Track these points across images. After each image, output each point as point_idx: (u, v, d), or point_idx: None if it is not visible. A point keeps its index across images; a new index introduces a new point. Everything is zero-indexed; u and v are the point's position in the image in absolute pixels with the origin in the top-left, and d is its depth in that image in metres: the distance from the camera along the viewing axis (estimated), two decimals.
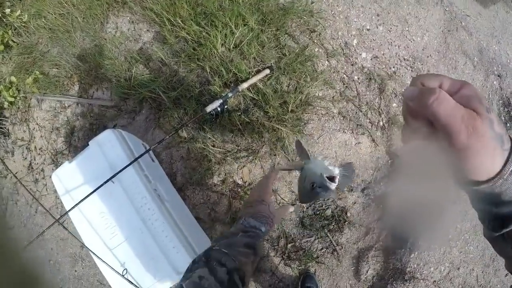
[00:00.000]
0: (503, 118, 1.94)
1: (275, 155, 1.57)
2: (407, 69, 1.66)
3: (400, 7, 1.81)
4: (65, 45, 2.00)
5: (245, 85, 1.47)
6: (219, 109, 1.46)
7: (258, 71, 1.51)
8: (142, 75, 1.65)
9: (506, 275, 1.70)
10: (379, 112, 1.59)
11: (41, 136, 2.07)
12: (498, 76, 1.95)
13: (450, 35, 1.85)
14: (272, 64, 1.51)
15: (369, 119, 1.59)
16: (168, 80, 1.60)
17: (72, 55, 1.94)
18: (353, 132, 1.63)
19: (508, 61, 2.08)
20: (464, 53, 1.86)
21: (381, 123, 1.60)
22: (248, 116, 1.50)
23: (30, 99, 2.16)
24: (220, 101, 1.43)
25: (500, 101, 1.89)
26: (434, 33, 1.80)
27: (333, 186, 0.63)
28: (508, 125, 1.94)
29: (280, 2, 1.60)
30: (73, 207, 1.05)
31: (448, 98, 0.31)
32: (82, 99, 1.92)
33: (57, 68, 2.01)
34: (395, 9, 1.79)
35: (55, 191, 1.64)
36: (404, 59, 1.67)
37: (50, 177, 1.62)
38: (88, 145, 1.21)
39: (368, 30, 1.69)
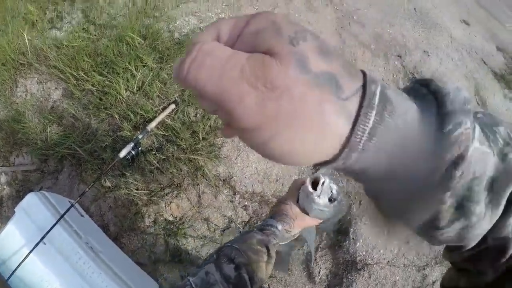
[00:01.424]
0: None
1: (197, 184, 1.84)
2: None
3: (291, 17, 2.13)
4: None
5: (153, 124, 1.74)
6: (133, 152, 1.71)
7: (164, 108, 1.79)
8: (57, 134, 1.92)
9: None
10: None
11: None
12: (398, 56, 2.37)
13: (344, 31, 2.24)
14: (177, 98, 1.79)
15: None
16: (82, 134, 1.87)
17: None
18: None
19: (405, 40, 2.46)
20: (361, 43, 2.25)
21: None
22: (163, 153, 1.76)
23: None
24: (132, 144, 1.69)
25: (406, 78, 2.24)
26: (329, 33, 2.16)
27: (314, 193, 0.77)
28: None
29: (175, 37, 1.88)
30: (9, 277, 1.26)
31: (215, 51, 0.21)
32: (4, 168, 2.18)
33: None
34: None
35: None
36: None
37: None
38: (14, 213, 1.43)
39: None
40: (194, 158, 1.81)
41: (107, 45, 1.97)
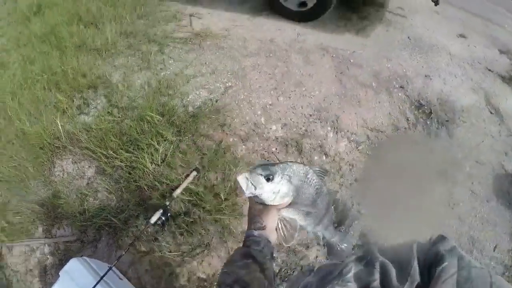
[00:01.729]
0: (421, 120, 2.48)
1: (225, 241, 2.10)
2: (315, 122, 2.29)
3: (292, 74, 2.50)
4: (22, 193, 2.65)
5: (178, 191, 2.04)
6: (163, 218, 2.00)
7: (187, 176, 2.08)
8: (94, 206, 2.24)
9: None
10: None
11: (17, 280, 2.71)
12: (401, 87, 2.67)
13: (344, 76, 2.57)
14: (197, 166, 2.08)
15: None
16: (116, 205, 2.18)
17: (31, 202, 2.58)
18: None
19: (404, 70, 2.74)
20: (362, 84, 2.56)
21: None
22: (191, 216, 2.05)
23: (1, 248, 2.72)
24: (161, 211, 1.99)
25: (412, 107, 2.49)
26: (329, 81, 2.53)
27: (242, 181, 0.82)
28: (428, 122, 2.54)
29: (189, 110, 2.21)
30: None
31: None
32: (47, 239, 2.50)
33: (20, 216, 2.64)
34: (288, 78, 2.48)
35: None
36: (310, 115, 2.30)
37: None
38: (59, 276, 1.70)
39: (270, 105, 2.32)
40: (219, 218, 2.08)
41: (130, 125, 2.31)
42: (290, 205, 0.88)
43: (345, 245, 1.06)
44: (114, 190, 2.34)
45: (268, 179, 0.82)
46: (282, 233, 0.88)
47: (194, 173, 2.17)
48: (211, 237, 2.15)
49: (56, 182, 2.57)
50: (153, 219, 2.02)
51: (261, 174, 0.82)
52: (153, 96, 2.48)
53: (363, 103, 2.51)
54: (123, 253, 1.91)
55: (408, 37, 3.28)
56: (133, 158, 2.26)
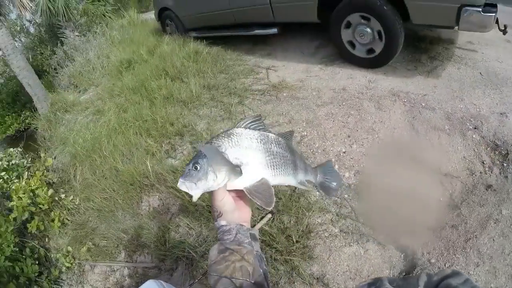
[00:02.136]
0: (497, 162, 2.52)
1: (293, 282, 2.36)
2: None
3: (365, 121, 2.85)
4: (110, 221, 3.16)
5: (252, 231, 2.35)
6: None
7: (262, 217, 2.42)
8: (174, 239, 2.63)
9: None
10: (377, 216, 2.39)
11: None
12: (475, 128, 2.69)
13: (416, 121, 2.82)
14: (272, 209, 2.41)
15: (369, 226, 2.34)
16: (195, 239, 2.57)
17: (117, 229, 3.07)
18: (358, 243, 2.42)
19: (478, 109, 2.83)
20: (434, 128, 2.74)
21: (381, 225, 2.35)
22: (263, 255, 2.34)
23: (84, 265, 3.34)
24: None
25: (488, 148, 2.60)
26: (402, 126, 2.80)
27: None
28: (505, 165, 2.49)
29: None
30: None
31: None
32: (128, 263, 2.95)
33: (106, 240, 3.15)
34: (361, 125, 2.84)
35: None
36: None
37: None
38: None
39: (344, 152, 2.69)
40: (289, 259, 2.36)
41: None
42: (244, 171, 0.85)
43: (334, 183, 1.10)
44: (194, 226, 2.74)
45: (196, 168, 0.81)
46: (258, 201, 0.83)
47: (269, 215, 2.51)
48: (279, 276, 2.42)
49: (142, 214, 3.05)
50: None
51: (189, 169, 0.81)
52: None
53: (437, 148, 2.61)
54: (196, 280, 2.24)
55: (480, 73, 3.25)
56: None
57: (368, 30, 3.36)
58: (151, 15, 8.67)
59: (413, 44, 3.70)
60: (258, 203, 0.83)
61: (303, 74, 3.95)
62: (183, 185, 0.81)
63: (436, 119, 2.78)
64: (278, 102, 3.61)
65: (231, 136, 0.86)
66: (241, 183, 0.85)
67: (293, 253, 2.38)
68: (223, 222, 0.83)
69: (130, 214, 3.11)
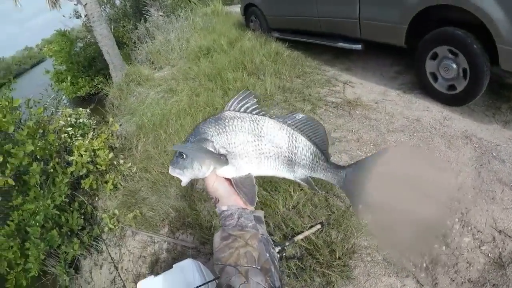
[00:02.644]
0: None
1: None
2: (445, 210, 2.54)
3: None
4: (162, 195, 3.42)
5: (300, 237, 2.53)
6: (278, 255, 2.46)
7: (311, 226, 2.59)
8: (220, 226, 2.81)
9: None
10: (421, 254, 2.42)
11: (129, 260, 3.50)
12: None
13: (483, 169, 2.82)
14: (323, 221, 2.56)
15: (412, 262, 2.45)
16: None
17: (167, 204, 3.33)
18: (397, 276, 2.51)
19: None
20: (500, 181, 2.73)
21: (424, 265, 2.46)
22: (302, 262, 2.49)
23: (127, 230, 3.59)
24: (279, 248, 2.46)
25: None
26: (467, 171, 2.81)
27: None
28: None
29: None
30: None
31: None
32: (169, 239, 3.20)
33: (153, 212, 3.43)
34: None
35: None
36: (442, 202, 2.56)
37: None
38: (172, 267, 2.24)
39: None
40: (328, 273, 2.48)
41: None
42: (230, 161, 0.87)
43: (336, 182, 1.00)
44: None
45: (182, 157, 0.83)
46: (242, 195, 0.84)
47: (319, 226, 2.64)
48: (313, 287, 2.53)
49: (194, 196, 3.30)
50: None
51: (176, 156, 0.84)
52: None
53: (498, 202, 2.59)
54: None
55: None
56: (268, 197, 2.86)
57: (454, 65, 3.35)
58: (235, 9, 9.14)
59: (496, 90, 3.64)
60: (242, 197, 0.84)
61: (379, 96, 4.04)
62: (174, 172, 0.86)
63: (504, 172, 2.77)
64: (349, 118, 3.74)
65: (219, 121, 0.86)
66: (228, 172, 0.87)
67: (333, 268, 2.48)
68: (223, 207, 0.84)
69: (183, 193, 3.38)
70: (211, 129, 0.85)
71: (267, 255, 0.77)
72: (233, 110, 0.87)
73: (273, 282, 0.73)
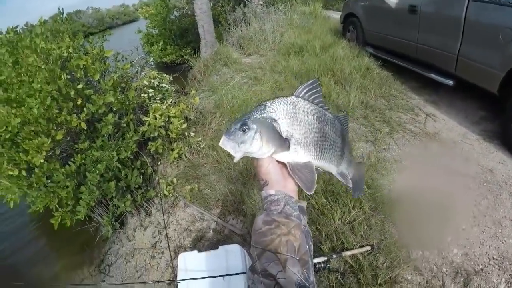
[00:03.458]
0: None
1: None
2: (494, 267, 2.62)
3: (496, 211, 2.93)
4: (222, 176, 3.68)
5: (348, 253, 2.66)
6: (322, 265, 2.62)
7: (361, 246, 2.71)
8: None
9: None
10: None
11: (174, 229, 3.75)
12: None
13: None
14: (374, 244, 2.66)
15: None
16: None
17: (226, 186, 3.53)
18: None
19: None
20: None
21: None
22: (343, 278, 2.61)
23: (180, 201, 3.91)
24: (325, 258, 2.60)
25: None
26: None
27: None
28: None
29: (392, 196, 2.83)
30: (184, 280, 2.09)
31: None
32: (219, 220, 3.44)
33: (210, 190, 3.69)
34: (491, 213, 2.92)
35: (163, 272, 3.16)
36: (493, 258, 2.65)
37: (172, 258, 3.00)
38: (218, 248, 2.41)
39: (463, 229, 2.75)
40: None
41: (338, 180, 3.07)
42: (292, 146, 0.87)
43: (363, 179, 1.14)
44: None
45: (243, 130, 0.81)
46: (299, 182, 0.85)
47: (368, 247, 2.74)
48: None
49: (254, 186, 3.52)
50: (316, 260, 2.65)
51: (236, 128, 0.82)
52: (368, 168, 3.23)
53: None
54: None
55: None
56: (327, 206, 3.00)
57: None
58: (334, 14, 9.26)
59: None
60: (298, 183, 0.85)
61: (458, 137, 4.01)
62: (227, 144, 0.82)
63: None
64: (424, 151, 3.78)
65: (289, 104, 0.85)
66: (285, 156, 0.86)
67: None
68: (271, 192, 0.84)
69: (243, 180, 3.62)
70: (280, 110, 0.85)
71: (307, 247, 0.78)
72: (302, 98, 0.88)
73: (308, 275, 0.74)
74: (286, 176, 0.88)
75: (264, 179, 0.86)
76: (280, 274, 0.71)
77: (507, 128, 3.68)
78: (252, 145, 0.81)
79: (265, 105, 0.85)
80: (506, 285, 2.53)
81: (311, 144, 0.88)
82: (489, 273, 2.60)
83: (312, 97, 0.88)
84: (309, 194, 0.87)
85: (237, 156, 0.82)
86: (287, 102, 0.85)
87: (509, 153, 3.70)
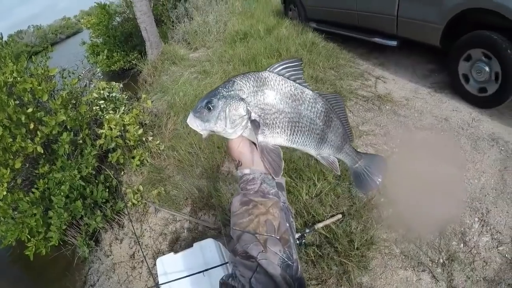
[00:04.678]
0: None
1: (341, 285, 2.59)
2: (465, 209, 2.72)
3: (458, 157, 3.04)
4: (187, 175, 3.62)
5: (320, 225, 2.68)
6: (298, 241, 2.61)
7: (332, 216, 2.73)
8: None
9: None
10: (439, 250, 2.61)
11: (149, 236, 3.71)
12: None
13: (507, 172, 2.89)
14: (344, 211, 2.68)
15: (430, 257, 2.60)
16: None
17: (191, 184, 3.52)
18: (414, 269, 2.62)
19: None
20: None
21: (441, 260, 2.58)
22: (321, 250, 2.62)
23: (149, 207, 3.81)
24: (299, 234, 2.60)
25: None
26: (491, 173, 2.90)
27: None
28: None
29: None
30: (165, 283, 2.02)
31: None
32: (191, 218, 3.38)
33: (177, 190, 3.63)
34: (453, 159, 2.89)
35: (147, 280, 3.09)
36: (462, 201, 2.63)
37: (151, 266, 2.95)
38: (192, 246, 2.40)
39: None
40: (345, 262, 2.60)
41: (300, 156, 3.07)
42: (261, 127, 0.82)
43: (374, 177, 1.01)
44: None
45: (209, 108, 0.79)
46: (267, 164, 0.81)
47: (340, 216, 2.76)
48: (329, 275, 2.66)
49: (219, 178, 3.48)
50: None
51: (202, 106, 0.79)
52: None
53: None
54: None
55: None
56: (292, 184, 3.00)
57: (487, 68, 3.42)
58: None
59: None
60: (266, 166, 0.81)
61: (410, 93, 4.12)
62: (193, 122, 0.81)
63: None
64: (379, 112, 3.86)
65: (259, 80, 0.80)
66: (254, 137, 0.83)
67: (350, 258, 2.60)
68: (246, 171, 0.82)
69: (208, 173, 3.57)
70: (248, 87, 0.80)
71: (287, 225, 0.76)
72: (276, 73, 0.82)
73: (291, 254, 0.73)
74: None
75: (237, 159, 0.84)
76: (261, 255, 0.69)
77: (454, 75, 3.80)
78: (217, 125, 0.79)
79: (234, 81, 0.80)
80: (480, 224, 2.61)
81: (281, 126, 0.83)
82: (461, 216, 2.67)
83: (289, 74, 0.82)
84: (276, 178, 0.83)
85: (204, 134, 0.81)
86: (258, 78, 0.80)
87: (460, 100, 3.81)
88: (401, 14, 4.16)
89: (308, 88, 0.85)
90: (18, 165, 3.33)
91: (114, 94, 5.08)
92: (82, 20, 11.79)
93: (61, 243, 3.65)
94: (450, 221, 2.65)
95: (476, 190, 2.80)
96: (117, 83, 5.37)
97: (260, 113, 0.81)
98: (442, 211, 2.75)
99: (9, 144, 3.31)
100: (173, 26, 8.85)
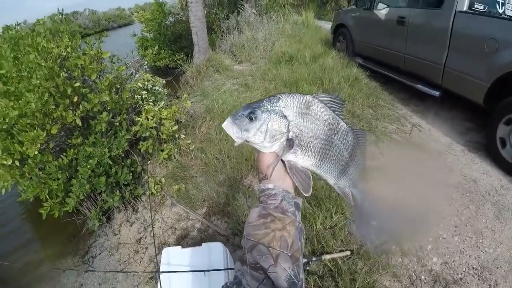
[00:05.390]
0: None
1: None
2: (473, 277, 2.68)
3: (478, 221, 3.01)
4: (210, 178, 3.72)
5: (327, 257, 2.70)
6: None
7: (341, 251, 2.74)
8: None
9: None
10: None
11: (160, 226, 3.77)
12: None
13: None
14: (354, 249, 2.70)
15: None
16: None
17: (212, 188, 3.58)
18: None
19: None
20: None
21: None
22: (322, 281, 2.64)
23: (166, 200, 3.94)
24: (305, 260, 2.63)
25: None
26: (508, 246, 2.81)
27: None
28: None
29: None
30: (166, 272, 2.10)
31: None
32: (204, 220, 3.47)
33: (197, 191, 3.74)
34: (473, 223, 2.96)
35: (146, 266, 3.22)
36: (473, 268, 2.70)
37: (156, 253, 2.99)
38: (201, 244, 2.44)
39: (444, 238, 2.82)
40: None
41: (323, 185, 3.11)
42: (294, 147, 0.84)
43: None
44: None
45: (251, 119, 0.78)
46: (296, 182, 0.84)
47: (348, 252, 2.78)
48: None
49: (240, 189, 3.55)
50: None
51: (243, 114, 0.79)
52: None
53: None
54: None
55: None
56: (310, 211, 3.03)
57: None
58: (325, 24, 9.39)
59: None
60: (296, 183, 0.84)
61: (443, 147, 4.09)
62: (231, 128, 0.80)
63: None
64: (409, 160, 3.78)
65: (303, 103, 0.82)
66: (285, 155, 0.84)
67: None
68: (270, 185, 0.83)
69: (231, 182, 3.64)
70: (292, 106, 0.81)
71: (299, 244, 0.78)
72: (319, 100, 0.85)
73: (298, 272, 0.74)
74: (285, 172, 0.86)
75: (264, 173, 0.85)
76: (271, 268, 0.71)
77: (491, 137, 3.72)
78: (255, 137, 0.79)
79: (279, 98, 0.81)
80: None
81: (313, 151, 0.85)
82: (468, 283, 2.62)
83: (331, 105, 0.85)
84: (306, 196, 0.85)
85: (238, 142, 0.81)
86: (302, 100, 0.82)
87: (493, 164, 3.74)
88: (448, 64, 4.14)
89: (343, 121, 0.88)
90: (54, 131, 3.48)
91: (156, 88, 5.27)
92: (136, 13, 12.22)
93: (75, 211, 3.81)
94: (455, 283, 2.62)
95: (489, 259, 2.74)
96: (160, 79, 5.57)
97: (298, 134, 0.82)
98: (448, 270, 2.73)
99: (51, 111, 3.49)
100: (222, 36, 9.07)
